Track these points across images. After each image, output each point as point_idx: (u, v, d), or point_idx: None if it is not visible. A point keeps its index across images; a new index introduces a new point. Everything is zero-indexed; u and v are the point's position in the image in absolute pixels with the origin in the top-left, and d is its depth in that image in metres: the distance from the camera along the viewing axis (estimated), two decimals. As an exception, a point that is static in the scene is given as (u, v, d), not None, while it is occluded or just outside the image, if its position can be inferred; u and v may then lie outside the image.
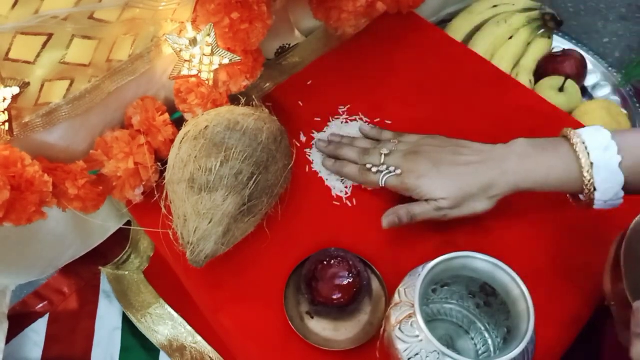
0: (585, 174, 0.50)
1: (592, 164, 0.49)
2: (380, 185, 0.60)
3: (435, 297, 0.55)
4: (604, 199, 0.50)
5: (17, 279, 0.74)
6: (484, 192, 0.55)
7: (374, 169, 0.60)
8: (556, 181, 0.52)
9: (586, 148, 0.50)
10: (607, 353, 0.54)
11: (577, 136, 0.51)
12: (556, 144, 0.53)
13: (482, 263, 0.44)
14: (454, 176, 0.55)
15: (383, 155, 0.60)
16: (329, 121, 0.71)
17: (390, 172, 0.59)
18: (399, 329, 0.45)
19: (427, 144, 0.59)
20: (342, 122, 0.71)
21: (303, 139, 0.70)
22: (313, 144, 0.69)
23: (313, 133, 0.70)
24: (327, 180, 0.67)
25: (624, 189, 0.50)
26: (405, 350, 0.44)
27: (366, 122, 0.71)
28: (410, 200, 0.59)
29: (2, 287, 0.72)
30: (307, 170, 0.68)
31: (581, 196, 0.53)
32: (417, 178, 0.57)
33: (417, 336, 0.43)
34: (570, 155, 0.51)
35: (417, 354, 0.43)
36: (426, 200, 0.56)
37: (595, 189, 0.50)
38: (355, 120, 0.71)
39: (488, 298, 0.51)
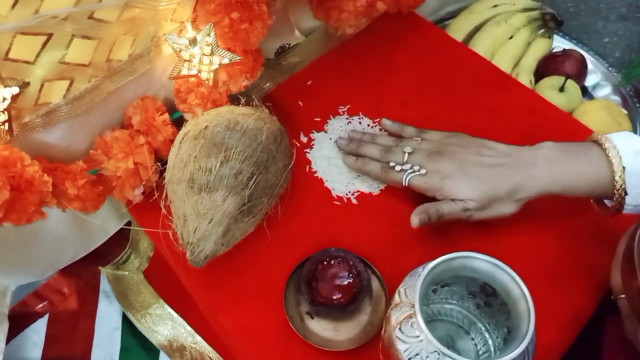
0: (617, 179, 0.50)
1: (624, 168, 0.49)
2: (404, 185, 0.59)
3: (435, 298, 0.55)
4: (635, 204, 0.50)
5: (17, 279, 0.74)
6: (511, 196, 0.54)
7: (397, 167, 0.59)
8: (586, 186, 0.52)
9: (618, 152, 0.50)
10: (607, 352, 0.54)
11: (608, 141, 0.51)
12: (586, 149, 0.53)
13: (482, 263, 0.44)
14: (480, 178, 0.55)
15: (406, 154, 0.59)
16: (329, 120, 0.71)
17: (414, 172, 0.58)
18: (399, 329, 0.45)
19: (451, 143, 0.59)
20: (341, 122, 0.71)
21: (303, 139, 0.70)
22: (313, 145, 0.69)
23: (313, 133, 0.70)
24: (326, 180, 0.66)
25: None
26: (406, 351, 0.44)
27: (367, 124, 0.71)
28: (429, 199, 0.58)
29: (3, 287, 0.72)
30: (307, 170, 0.67)
31: (608, 201, 0.53)
32: (442, 179, 0.56)
33: (418, 336, 0.43)
34: (602, 160, 0.51)
35: (417, 354, 0.43)
36: (453, 200, 0.56)
37: (626, 194, 0.50)
38: (357, 121, 0.71)
39: (488, 298, 0.51)
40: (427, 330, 0.41)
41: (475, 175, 0.55)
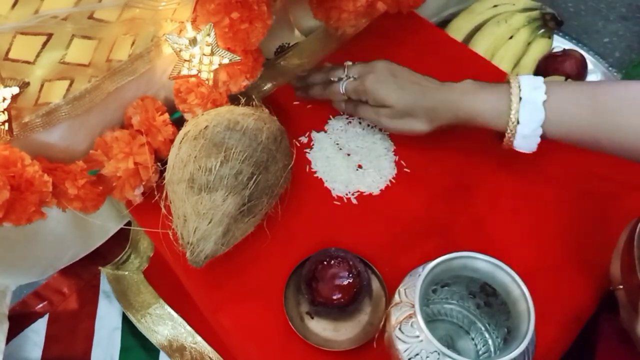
0: (512, 108, 0.55)
1: (520, 98, 0.55)
2: (342, 92, 0.65)
3: (435, 298, 0.55)
4: (524, 133, 0.55)
5: (17, 279, 0.74)
6: (427, 114, 0.61)
7: (335, 79, 0.66)
8: (489, 114, 0.57)
9: (519, 86, 0.56)
10: (601, 349, 0.54)
11: (516, 79, 0.57)
12: (497, 85, 0.59)
13: (482, 263, 0.44)
14: (407, 89, 0.61)
15: (346, 68, 0.66)
16: (329, 120, 0.71)
17: (349, 78, 0.65)
18: (399, 329, 0.45)
19: (385, 61, 0.64)
20: (341, 122, 0.71)
21: (303, 139, 0.70)
22: (313, 145, 0.69)
23: (313, 133, 0.70)
24: (326, 180, 0.67)
25: (543, 129, 0.55)
26: (406, 351, 0.44)
27: (367, 124, 0.71)
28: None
29: (3, 287, 0.72)
30: (307, 170, 0.67)
31: (506, 132, 0.57)
32: (376, 82, 0.62)
33: (418, 336, 0.43)
34: (506, 92, 0.56)
35: (417, 354, 0.43)
36: (376, 106, 0.63)
37: (518, 122, 0.55)
38: (357, 120, 0.71)
39: (488, 298, 0.51)
40: (427, 330, 0.41)
41: (404, 86, 0.61)
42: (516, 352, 0.39)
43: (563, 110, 0.54)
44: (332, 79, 0.67)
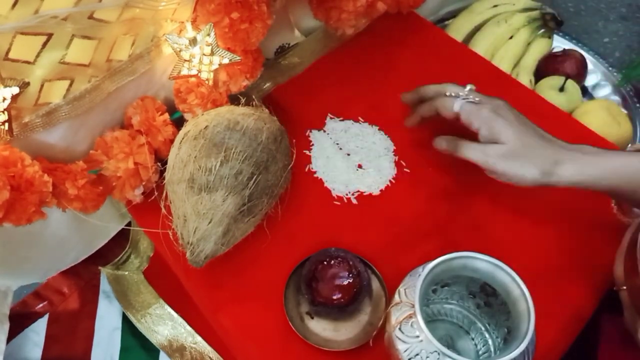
0: None
1: None
2: (454, 110, 0.58)
3: (435, 298, 0.55)
4: None
5: (19, 280, 0.74)
6: (544, 163, 0.53)
7: (453, 93, 0.59)
8: (619, 180, 0.51)
9: None
10: (603, 349, 0.54)
11: None
12: (628, 152, 0.53)
13: (482, 263, 0.44)
14: (527, 131, 0.54)
15: (468, 88, 0.59)
16: (329, 120, 0.71)
17: (468, 99, 0.58)
18: (399, 329, 0.45)
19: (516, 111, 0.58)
20: (341, 122, 0.71)
21: (303, 139, 0.70)
22: (313, 145, 0.69)
23: (313, 133, 0.70)
24: (326, 180, 0.67)
25: None
26: (406, 351, 0.44)
27: (365, 122, 0.71)
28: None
29: (4, 288, 0.72)
30: (307, 170, 0.67)
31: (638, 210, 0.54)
32: (493, 112, 0.55)
33: (418, 336, 0.43)
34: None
35: (417, 354, 0.43)
36: (485, 144, 0.56)
37: None
38: (357, 121, 0.71)
39: (488, 298, 0.51)
40: (427, 330, 0.41)
41: (523, 125, 0.55)
42: (516, 352, 0.39)
43: None
44: (447, 93, 0.60)
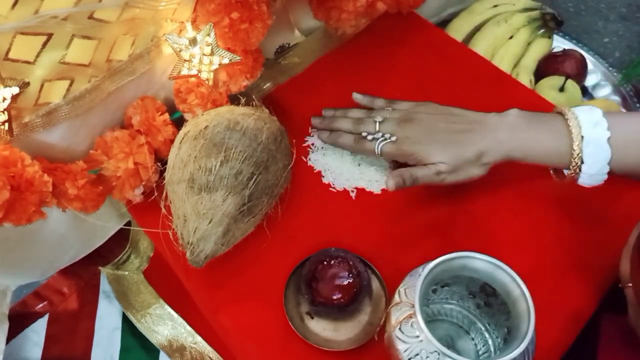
0: (575, 147, 0.52)
1: (582, 137, 0.52)
2: (376, 152, 0.60)
3: (435, 297, 0.55)
4: (590, 172, 0.53)
5: (18, 279, 0.74)
6: (478, 159, 0.57)
7: (370, 137, 0.61)
8: (546, 154, 0.55)
9: (578, 123, 0.53)
10: (603, 349, 0.54)
11: (570, 112, 0.54)
12: (550, 119, 0.56)
13: (482, 263, 0.44)
14: (448, 142, 0.57)
15: (377, 123, 0.61)
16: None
17: (385, 140, 0.60)
18: (399, 329, 0.45)
19: (420, 111, 0.61)
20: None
21: (303, 139, 0.70)
22: (313, 145, 0.69)
23: (312, 131, 0.70)
24: (327, 181, 0.66)
25: (610, 166, 0.53)
26: (406, 351, 0.44)
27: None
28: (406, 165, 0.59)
29: (3, 287, 0.72)
30: (307, 170, 0.67)
31: (566, 171, 0.55)
32: (412, 144, 0.58)
33: (418, 336, 0.43)
34: (563, 129, 0.54)
35: (417, 354, 0.43)
36: (425, 165, 0.58)
37: (582, 162, 0.53)
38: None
39: (488, 298, 0.51)
40: (427, 330, 0.41)
41: (444, 140, 0.57)
42: (516, 352, 0.39)
43: (629, 145, 0.51)
44: (363, 134, 0.62)
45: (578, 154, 0.52)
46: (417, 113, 0.60)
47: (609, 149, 0.51)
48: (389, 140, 0.59)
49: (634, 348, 0.50)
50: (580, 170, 0.53)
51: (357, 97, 0.68)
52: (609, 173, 0.53)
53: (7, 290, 0.73)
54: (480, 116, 0.58)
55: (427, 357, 0.42)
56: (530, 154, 0.56)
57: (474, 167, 0.57)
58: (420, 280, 0.43)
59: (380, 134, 0.60)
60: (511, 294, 0.43)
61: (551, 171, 0.59)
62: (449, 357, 0.40)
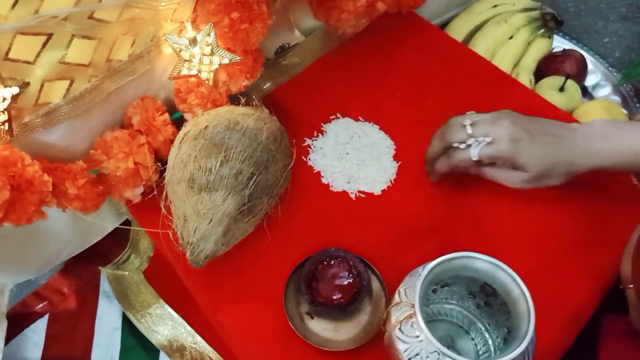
0: None
1: None
2: (474, 159, 0.56)
3: (435, 297, 0.55)
4: None
5: (15, 277, 0.74)
6: (567, 167, 0.55)
7: (462, 146, 0.57)
8: (636, 159, 0.53)
9: None
10: (604, 349, 0.54)
11: None
12: (636, 125, 0.54)
13: (482, 263, 0.44)
14: (545, 144, 0.54)
15: (467, 126, 0.56)
16: (329, 121, 0.71)
17: (480, 143, 0.55)
18: (399, 329, 0.45)
19: (506, 113, 0.57)
20: (341, 122, 0.71)
21: (303, 139, 0.70)
22: (313, 145, 0.69)
23: (313, 133, 0.70)
24: (327, 180, 0.66)
25: None
26: (406, 351, 0.44)
27: (365, 121, 0.71)
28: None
29: (1, 286, 0.72)
30: (307, 170, 0.67)
31: None
32: (511, 142, 0.54)
33: (418, 336, 0.43)
34: None
35: (417, 354, 0.43)
36: (510, 170, 0.56)
37: None
38: (357, 120, 0.71)
39: (488, 298, 0.51)
40: (427, 330, 0.41)
41: (541, 141, 0.54)
42: (516, 352, 0.39)
43: None
44: (454, 145, 0.57)
45: None
46: (505, 114, 0.56)
47: None
48: (486, 143, 0.55)
49: (635, 348, 0.50)
50: None
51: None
52: None
53: (5, 288, 0.73)
54: (568, 124, 0.56)
55: (427, 357, 0.42)
56: (618, 162, 0.54)
57: (557, 178, 0.55)
58: (420, 280, 0.43)
59: (472, 140, 0.56)
60: (511, 294, 0.43)
61: (634, 179, 0.58)
62: (449, 357, 0.40)
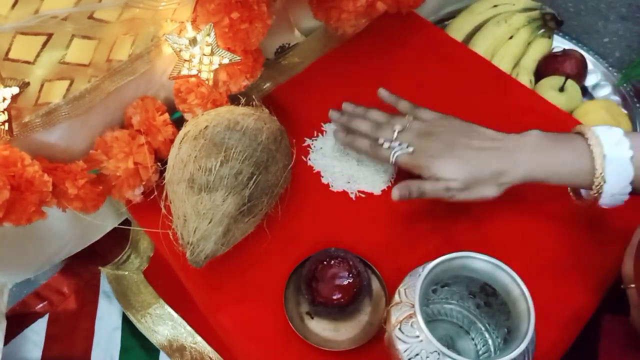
0: (597, 166, 0.51)
1: (604, 156, 0.51)
2: (391, 161, 0.59)
3: (435, 297, 0.54)
4: (612, 192, 0.52)
5: (14, 276, 0.74)
6: (494, 179, 0.55)
7: (386, 144, 0.60)
8: (568, 173, 0.54)
9: (599, 142, 0.52)
10: (604, 349, 0.54)
11: (590, 131, 0.53)
12: (570, 138, 0.54)
13: (482, 263, 0.44)
14: (466, 159, 0.56)
15: (396, 132, 0.60)
16: (329, 121, 0.71)
17: (402, 149, 0.59)
18: (399, 329, 0.45)
19: (441, 124, 0.60)
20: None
21: (303, 139, 0.70)
22: (313, 144, 0.69)
23: (313, 133, 0.70)
24: (327, 180, 0.66)
25: (631, 185, 0.51)
26: (406, 351, 0.44)
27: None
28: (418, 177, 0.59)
29: (0, 285, 0.72)
30: (307, 170, 0.67)
31: (584, 192, 0.55)
32: (429, 157, 0.57)
33: (418, 336, 0.43)
34: (584, 148, 0.53)
35: (417, 355, 0.43)
36: (437, 179, 0.57)
37: (605, 181, 0.52)
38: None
39: (488, 298, 0.51)
40: (427, 331, 0.41)
41: (462, 157, 0.56)
42: (516, 352, 0.39)
43: None
44: (379, 141, 0.60)
45: (600, 173, 0.51)
46: (438, 126, 0.59)
47: (631, 167, 0.51)
48: (406, 151, 0.58)
49: (635, 348, 0.50)
50: (602, 190, 0.52)
51: (382, 94, 0.66)
52: (631, 193, 0.52)
53: (4, 288, 0.73)
54: (501, 135, 0.57)
55: (427, 357, 0.42)
56: (551, 175, 0.55)
57: (489, 187, 0.56)
58: (420, 280, 0.43)
59: (397, 143, 0.59)
60: (511, 294, 0.43)
61: (570, 193, 0.59)
62: (449, 357, 0.40)
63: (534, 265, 0.58)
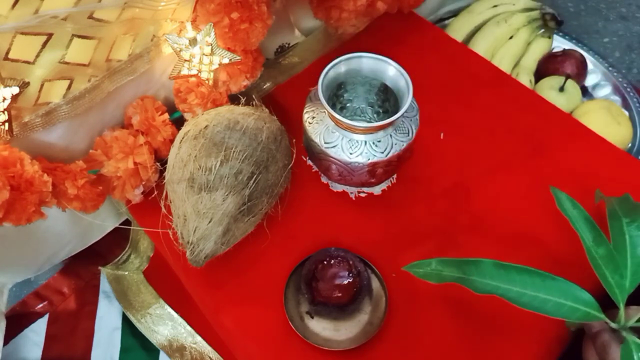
0: None
1: None
2: None
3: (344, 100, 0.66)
4: None
5: (14, 276, 0.74)
6: None
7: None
8: None
9: None
10: None
11: None
12: None
13: (371, 60, 0.57)
14: None
15: None
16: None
17: None
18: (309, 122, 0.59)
19: None
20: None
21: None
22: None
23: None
24: (327, 180, 0.66)
25: None
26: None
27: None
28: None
29: (0, 285, 0.72)
30: (307, 170, 0.67)
31: None
32: None
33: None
34: None
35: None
36: None
37: None
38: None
39: (384, 104, 0.63)
40: (323, 98, 0.56)
41: None
42: (400, 113, 0.53)
43: None
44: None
45: None
46: None
47: None
48: None
49: None
50: None
51: None
52: None
53: (4, 288, 0.73)
54: None
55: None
56: None
57: None
58: (320, 82, 0.57)
59: None
60: (398, 84, 0.57)
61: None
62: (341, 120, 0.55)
63: (534, 265, 0.58)
